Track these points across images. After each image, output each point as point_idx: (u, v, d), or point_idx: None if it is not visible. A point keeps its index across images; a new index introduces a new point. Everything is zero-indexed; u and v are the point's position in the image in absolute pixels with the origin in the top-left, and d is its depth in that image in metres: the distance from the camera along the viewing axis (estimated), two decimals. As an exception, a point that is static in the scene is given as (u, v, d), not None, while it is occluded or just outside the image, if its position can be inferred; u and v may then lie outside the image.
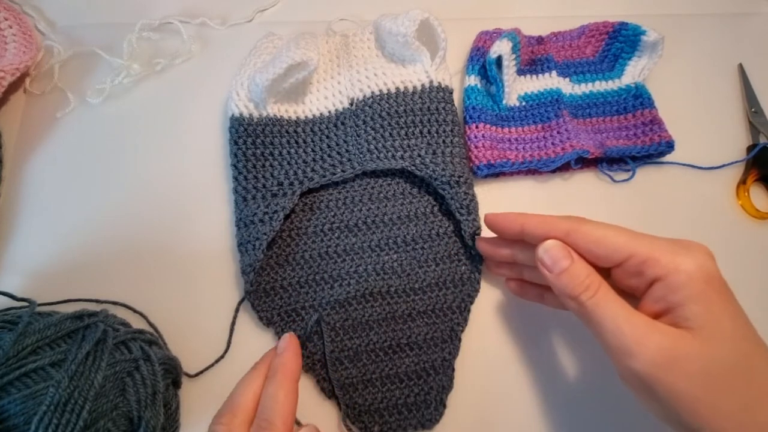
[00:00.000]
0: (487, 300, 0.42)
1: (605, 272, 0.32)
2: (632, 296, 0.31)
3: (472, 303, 0.41)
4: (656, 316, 0.29)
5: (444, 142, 0.43)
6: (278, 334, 0.40)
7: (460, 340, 0.39)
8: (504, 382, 0.40)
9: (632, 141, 0.45)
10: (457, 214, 0.41)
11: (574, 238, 0.31)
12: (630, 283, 0.31)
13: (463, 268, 0.41)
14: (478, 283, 0.41)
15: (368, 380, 0.39)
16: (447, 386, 0.38)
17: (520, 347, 0.40)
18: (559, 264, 0.31)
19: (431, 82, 0.44)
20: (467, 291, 0.41)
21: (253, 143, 0.43)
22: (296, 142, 0.44)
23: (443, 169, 0.42)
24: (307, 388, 0.39)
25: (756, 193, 0.46)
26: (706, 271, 0.28)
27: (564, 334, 0.41)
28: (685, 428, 0.28)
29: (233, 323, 0.40)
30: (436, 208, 0.43)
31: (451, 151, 0.42)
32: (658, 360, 0.27)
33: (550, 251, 0.32)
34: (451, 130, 0.43)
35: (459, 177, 0.42)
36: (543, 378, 0.39)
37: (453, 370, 0.39)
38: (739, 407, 0.26)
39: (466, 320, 0.40)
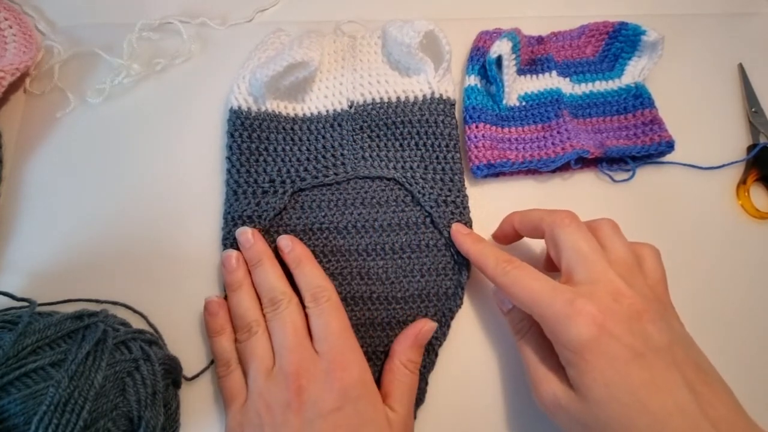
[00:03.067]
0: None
1: None
2: None
3: (452, 318, 0.40)
4: (563, 366, 0.32)
5: (438, 157, 0.43)
6: None
7: (437, 354, 0.39)
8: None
9: (632, 141, 0.45)
10: (445, 232, 0.41)
11: (498, 286, 0.36)
12: None
13: (448, 282, 0.41)
14: (461, 298, 0.40)
15: None
16: (419, 399, 0.38)
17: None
18: (504, 306, 0.38)
19: (433, 93, 0.44)
20: (449, 305, 0.40)
21: (249, 137, 0.43)
22: (291, 140, 0.44)
23: (432, 187, 0.42)
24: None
25: (756, 193, 0.46)
26: (576, 344, 0.30)
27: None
28: None
29: None
30: (428, 219, 0.42)
31: (443, 168, 0.43)
32: (548, 404, 0.32)
33: (497, 295, 0.39)
34: (447, 144, 0.43)
35: (447, 195, 0.42)
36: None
37: (426, 383, 0.38)
38: None
39: (445, 335, 0.39)
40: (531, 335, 0.35)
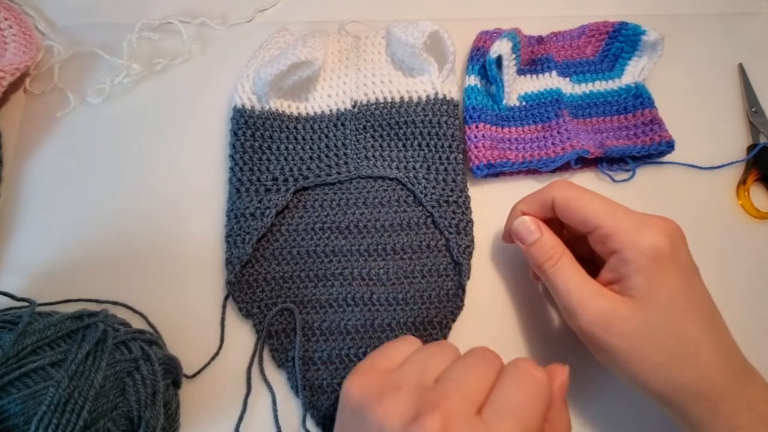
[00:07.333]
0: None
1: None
2: (601, 260, 0.35)
3: (454, 321, 0.40)
4: (609, 282, 0.33)
5: (441, 157, 0.43)
6: (256, 326, 0.40)
7: None
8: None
9: (632, 141, 0.45)
10: (446, 233, 0.41)
11: (558, 203, 0.35)
12: (598, 249, 0.35)
13: (450, 283, 0.40)
14: (462, 301, 0.40)
15: (337, 386, 0.37)
16: None
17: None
18: (531, 236, 0.36)
19: (436, 94, 0.44)
20: (450, 308, 0.40)
21: (252, 135, 0.43)
22: (295, 139, 0.44)
23: (434, 187, 0.42)
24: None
25: (756, 193, 0.46)
26: (655, 250, 0.32)
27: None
28: (622, 376, 0.33)
29: (223, 319, 0.40)
30: (429, 220, 0.42)
31: (446, 168, 0.43)
32: (596, 320, 0.32)
33: (523, 224, 0.37)
34: (450, 145, 0.43)
35: (449, 196, 0.42)
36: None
37: None
38: (664, 363, 0.31)
39: (446, 337, 0.39)
40: (565, 259, 0.34)
